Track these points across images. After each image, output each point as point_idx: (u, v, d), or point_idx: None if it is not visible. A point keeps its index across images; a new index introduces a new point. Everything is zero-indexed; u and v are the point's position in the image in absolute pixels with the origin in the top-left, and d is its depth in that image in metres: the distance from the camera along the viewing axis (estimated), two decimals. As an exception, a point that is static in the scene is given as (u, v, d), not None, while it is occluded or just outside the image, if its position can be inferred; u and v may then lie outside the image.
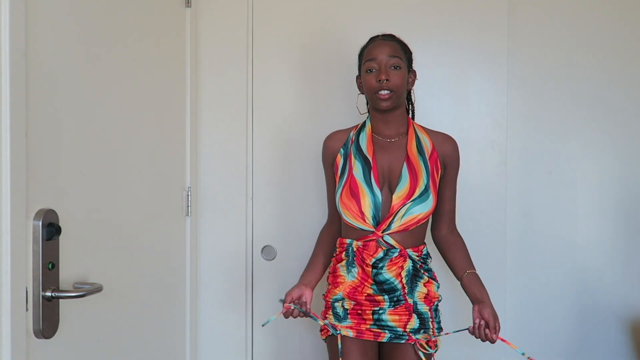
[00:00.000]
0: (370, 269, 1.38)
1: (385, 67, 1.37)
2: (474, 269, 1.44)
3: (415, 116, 1.59)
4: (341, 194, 1.40)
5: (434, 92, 1.83)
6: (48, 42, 1.04)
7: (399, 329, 1.38)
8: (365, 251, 1.38)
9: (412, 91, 1.52)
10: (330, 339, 1.44)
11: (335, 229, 1.55)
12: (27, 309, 0.97)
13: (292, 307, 1.36)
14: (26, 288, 0.97)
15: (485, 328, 1.33)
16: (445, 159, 1.46)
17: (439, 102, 1.83)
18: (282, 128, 1.86)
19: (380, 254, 1.37)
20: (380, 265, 1.37)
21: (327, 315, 1.45)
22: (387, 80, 1.36)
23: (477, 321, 1.34)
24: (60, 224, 1.03)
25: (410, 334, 1.38)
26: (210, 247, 1.88)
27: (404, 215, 1.36)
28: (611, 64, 1.85)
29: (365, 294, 1.39)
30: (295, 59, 1.85)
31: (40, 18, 1.01)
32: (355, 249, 1.40)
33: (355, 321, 1.40)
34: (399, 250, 1.37)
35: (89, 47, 1.18)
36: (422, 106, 1.83)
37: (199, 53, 1.84)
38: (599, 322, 1.87)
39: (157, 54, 1.54)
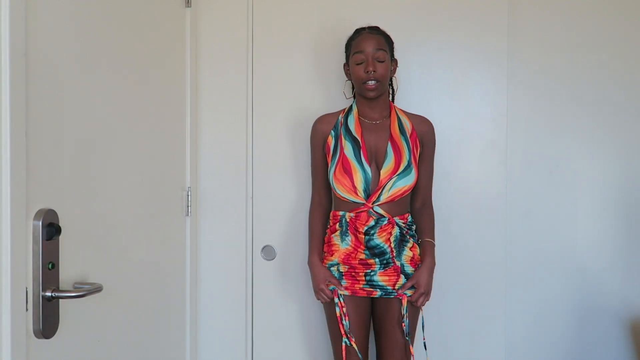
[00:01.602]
0: (363, 236, 1.55)
1: (372, 60, 1.53)
2: (432, 238, 1.64)
3: (395, 100, 1.72)
4: (335, 171, 1.56)
5: (434, 92, 1.83)
6: (48, 42, 1.04)
7: (388, 287, 1.56)
8: (357, 221, 1.55)
9: (394, 78, 1.69)
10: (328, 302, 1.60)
11: (323, 207, 1.70)
12: (27, 309, 0.97)
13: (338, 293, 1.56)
14: (26, 288, 0.97)
15: (420, 296, 1.55)
16: (423, 138, 1.64)
17: (439, 102, 1.83)
18: (282, 128, 1.86)
19: (372, 222, 1.54)
20: (372, 232, 1.54)
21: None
22: (374, 72, 1.52)
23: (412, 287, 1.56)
24: (60, 224, 1.03)
25: (400, 292, 1.55)
26: (210, 247, 1.88)
27: (391, 187, 1.53)
28: (611, 63, 1.85)
29: (359, 259, 1.56)
30: (295, 58, 1.85)
31: (40, 18, 1.01)
32: (348, 220, 1.57)
33: (350, 282, 1.57)
34: (387, 219, 1.55)
35: (89, 47, 1.18)
36: (423, 106, 1.83)
37: (199, 53, 1.84)
38: (599, 321, 1.87)
39: (157, 53, 1.54)
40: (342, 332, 1.53)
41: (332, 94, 1.83)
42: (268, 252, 1.87)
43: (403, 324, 1.54)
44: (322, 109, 1.82)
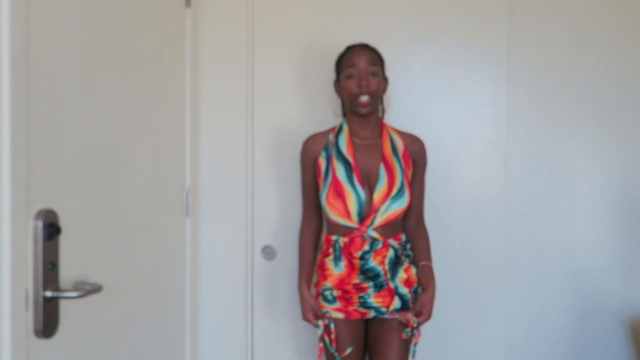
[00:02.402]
0: (358, 261, 1.52)
1: (365, 74, 1.49)
2: (430, 262, 1.61)
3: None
4: (327, 194, 1.52)
5: (434, 92, 1.83)
6: (48, 42, 1.04)
7: (382, 309, 1.53)
8: (352, 246, 1.52)
9: (384, 97, 1.65)
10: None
11: (313, 228, 1.68)
12: (27, 309, 0.97)
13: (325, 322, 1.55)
14: (26, 288, 0.97)
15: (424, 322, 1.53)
16: (415, 157, 1.61)
17: (439, 102, 1.83)
18: (282, 128, 1.86)
19: (367, 247, 1.51)
20: (367, 256, 1.51)
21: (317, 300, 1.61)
22: (367, 86, 1.48)
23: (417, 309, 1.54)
24: (60, 224, 1.03)
25: (393, 312, 1.53)
26: (210, 247, 1.88)
27: (385, 211, 1.50)
28: (611, 63, 1.85)
29: (352, 284, 1.53)
30: (295, 58, 1.85)
31: (40, 18, 1.01)
32: (342, 245, 1.54)
33: (343, 304, 1.55)
34: (382, 242, 1.52)
35: (89, 47, 1.18)
36: (422, 106, 1.83)
37: (199, 53, 1.84)
38: (599, 322, 1.87)
39: (157, 54, 1.54)
40: (329, 353, 1.54)
41: (332, 94, 1.82)
42: (268, 252, 1.87)
43: (408, 338, 1.52)
44: (322, 109, 1.82)
